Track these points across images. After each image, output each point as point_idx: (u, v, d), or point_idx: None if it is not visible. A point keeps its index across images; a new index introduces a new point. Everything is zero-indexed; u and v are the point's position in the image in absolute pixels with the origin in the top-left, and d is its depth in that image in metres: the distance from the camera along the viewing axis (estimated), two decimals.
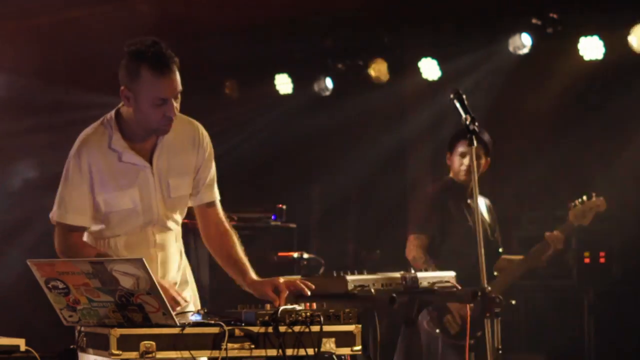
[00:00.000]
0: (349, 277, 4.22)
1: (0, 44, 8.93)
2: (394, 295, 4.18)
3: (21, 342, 3.72)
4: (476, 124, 4.84)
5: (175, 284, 4.32)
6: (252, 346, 3.71)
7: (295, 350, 3.74)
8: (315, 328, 3.76)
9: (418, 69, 9.67)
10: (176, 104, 4.11)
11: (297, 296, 4.09)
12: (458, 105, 4.89)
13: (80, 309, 3.72)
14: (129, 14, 8.72)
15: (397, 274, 4.40)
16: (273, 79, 10.51)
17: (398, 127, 10.42)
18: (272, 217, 9.47)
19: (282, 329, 3.72)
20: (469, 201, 6.39)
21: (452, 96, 4.92)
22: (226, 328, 3.67)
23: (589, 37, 8.75)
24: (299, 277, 4.28)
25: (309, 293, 4.06)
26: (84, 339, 3.80)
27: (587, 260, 8.99)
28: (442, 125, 8.67)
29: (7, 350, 3.69)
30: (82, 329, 3.81)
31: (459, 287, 4.66)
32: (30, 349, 3.72)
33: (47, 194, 10.78)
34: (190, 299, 4.38)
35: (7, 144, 9.80)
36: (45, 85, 9.87)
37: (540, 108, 9.47)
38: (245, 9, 8.90)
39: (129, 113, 4.19)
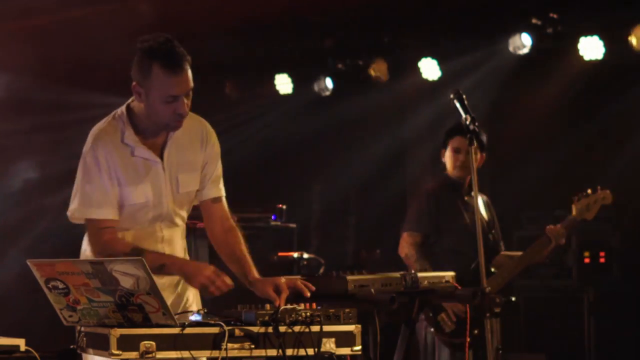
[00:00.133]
0: (349, 277, 4.21)
1: (0, 44, 8.93)
2: (394, 295, 4.17)
3: (21, 342, 3.72)
4: (476, 124, 4.84)
5: (180, 281, 4.33)
6: (252, 346, 3.71)
7: (295, 350, 3.74)
8: (315, 328, 3.76)
9: (418, 69, 9.67)
10: (187, 101, 4.13)
11: (297, 296, 4.09)
12: (458, 105, 4.89)
13: (80, 309, 3.72)
14: (129, 14, 8.71)
15: (397, 274, 4.40)
16: (273, 79, 10.51)
17: (398, 127, 10.42)
18: (272, 217, 9.47)
19: (282, 329, 3.72)
20: (465, 198, 6.37)
21: (452, 96, 4.92)
22: (226, 328, 3.67)
23: (589, 37, 8.75)
24: (298, 277, 4.27)
25: (308, 294, 4.06)
26: (84, 339, 3.80)
27: (587, 260, 9.00)
28: (442, 125, 8.63)
29: (7, 350, 3.69)
30: (82, 329, 3.81)
31: (459, 287, 4.65)
32: (30, 349, 3.72)
33: (47, 194, 10.83)
34: (192, 299, 4.39)
35: (7, 144, 9.80)
36: (45, 85, 9.87)
37: (540, 108, 9.47)
38: (245, 9, 8.90)
39: (140, 108, 4.21)
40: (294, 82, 10.48)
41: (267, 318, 3.72)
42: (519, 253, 6.39)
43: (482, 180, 5.81)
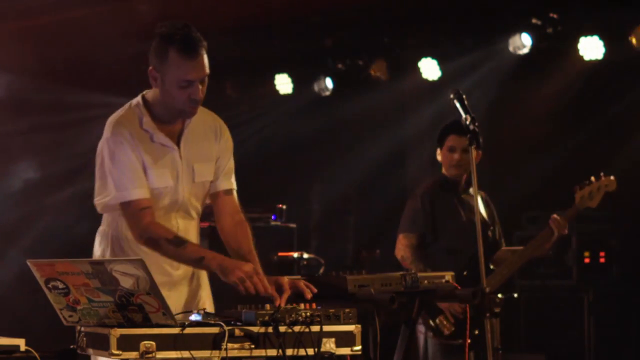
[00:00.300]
0: (349, 277, 4.21)
1: (0, 44, 8.93)
2: (394, 295, 4.17)
3: (21, 342, 3.72)
4: (476, 124, 4.83)
5: (193, 274, 4.34)
6: (252, 346, 3.71)
7: (295, 350, 3.74)
8: (315, 328, 3.76)
9: (418, 69, 9.67)
10: (202, 88, 4.17)
11: (297, 296, 4.10)
12: (458, 105, 4.88)
13: (80, 309, 3.72)
14: (129, 14, 8.71)
15: (397, 274, 4.40)
16: (273, 79, 10.51)
17: (398, 127, 10.42)
18: (272, 217, 9.48)
19: (282, 329, 3.72)
20: (462, 196, 6.35)
21: (452, 96, 4.92)
22: (226, 328, 3.66)
23: (589, 37, 8.75)
24: (299, 277, 4.27)
25: (309, 296, 4.06)
26: (84, 339, 3.80)
27: (587, 260, 9.00)
28: (442, 126, 8.67)
29: (7, 350, 3.69)
30: (82, 329, 3.81)
31: (458, 287, 4.64)
32: (30, 349, 3.72)
33: (47, 194, 10.81)
34: (206, 297, 4.41)
35: (7, 144, 9.80)
36: (45, 85, 9.87)
37: (540, 108, 9.47)
38: (245, 9, 8.90)
39: (155, 97, 4.26)
40: (294, 82, 10.48)
41: (267, 318, 3.72)
42: (521, 248, 6.33)
43: (481, 179, 5.80)
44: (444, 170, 6.39)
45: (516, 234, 8.60)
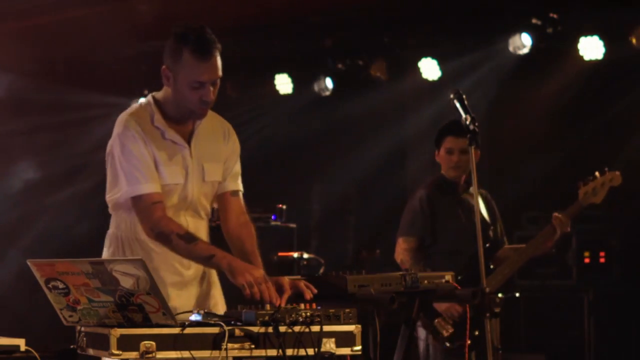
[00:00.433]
0: (349, 277, 4.21)
1: (0, 44, 8.94)
2: (394, 295, 4.16)
3: (21, 342, 3.72)
4: (476, 124, 4.83)
5: (204, 274, 4.34)
6: (252, 346, 3.71)
7: (295, 350, 3.74)
8: (315, 328, 3.76)
9: (418, 69, 9.67)
10: (213, 90, 4.19)
11: (298, 297, 4.10)
12: (458, 105, 4.88)
13: (80, 309, 3.72)
14: (129, 14, 8.72)
15: (397, 274, 4.39)
16: (273, 79, 10.51)
17: (398, 127, 10.42)
18: (272, 217, 9.48)
19: (282, 329, 3.72)
20: (462, 196, 6.32)
21: (452, 96, 4.91)
22: (226, 328, 3.66)
23: (589, 37, 8.75)
24: (299, 277, 4.27)
25: (309, 297, 4.06)
26: (84, 339, 3.80)
27: (587, 260, 9.00)
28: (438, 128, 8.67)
29: (7, 350, 3.69)
30: (82, 329, 3.81)
31: (458, 287, 4.64)
32: (30, 349, 3.72)
33: (47, 194, 10.80)
34: (218, 298, 4.41)
35: (7, 144, 9.80)
36: (45, 85, 9.88)
37: (540, 108, 9.47)
38: (245, 9, 8.90)
39: (166, 97, 4.27)
40: (294, 82, 10.48)
41: (267, 318, 3.72)
42: (523, 246, 6.30)
43: (481, 179, 5.79)
44: (443, 171, 6.38)
45: (516, 234, 8.59)
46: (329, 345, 3.78)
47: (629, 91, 8.99)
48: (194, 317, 3.83)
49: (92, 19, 8.68)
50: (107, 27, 8.65)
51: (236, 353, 3.69)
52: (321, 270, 8.92)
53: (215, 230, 4.49)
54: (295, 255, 9.12)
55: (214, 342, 3.66)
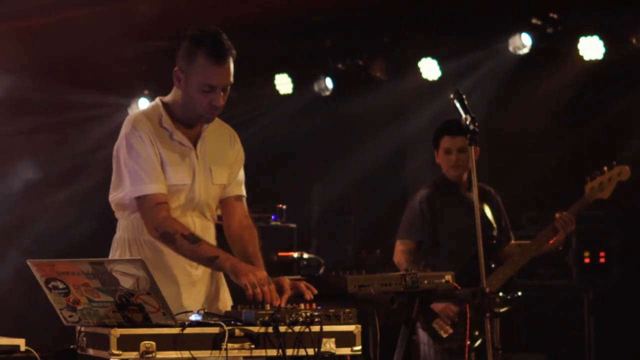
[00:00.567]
0: (349, 277, 4.21)
1: (0, 44, 8.94)
2: (394, 295, 4.17)
3: (21, 342, 3.73)
4: (476, 124, 4.83)
5: (212, 274, 4.34)
6: (252, 346, 3.71)
7: (295, 350, 3.74)
8: (315, 328, 3.76)
9: (418, 69, 9.67)
10: (224, 95, 4.22)
11: (298, 297, 4.10)
12: (458, 105, 4.88)
13: (80, 309, 3.72)
14: (129, 14, 8.72)
15: (397, 274, 4.40)
16: (273, 79, 10.51)
17: (398, 127, 10.42)
18: (272, 217, 9.48)
19: (282, 329, 3.72)
20: (466, 194, 6.27)
21: (452, 96, 4.91)
22: (226, 328, 3.67)
23: (589, 37, 8.75)
24: (299, 277, 4.28)
25: (309, 297, 4.06)
26: (84, 339, 3.80)
27: (587, 260, 9.00)
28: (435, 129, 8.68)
29: (7, 350, 3.69)
30: (82, 329, 3.82)
31: (459, 287, 4.63)
32: (30, 349, 3.72)
33: (47, 194, 10.79)
34: (227, 299, 4.41)
35: (7, 144, 9.81)
36: (45, 85, 9.87)
37: (539, 108, 9.47)
38: (245, 9, 8.90)
39: (175, 100, 4.28)
40: (294, 82, 10.48)
41: (267, 318, 3.72)
42: (529, 242, 6.25)
43: (481, 179, 5.79)
44: (443, 172, 6.36)
45: (516, 234, 8.58)
46: (329, 345, 3.78)
47: (629, 91, 8.99)
48: (194, 317, 3.83)
49: (92, 19, 8.67)
50: (107, 27, 8.65)
51: (236, 353, 3.70)
52: (321, 271, 8.92)
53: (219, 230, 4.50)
54: (295, 255, 9.12)
55: (214, 342, 3.66)
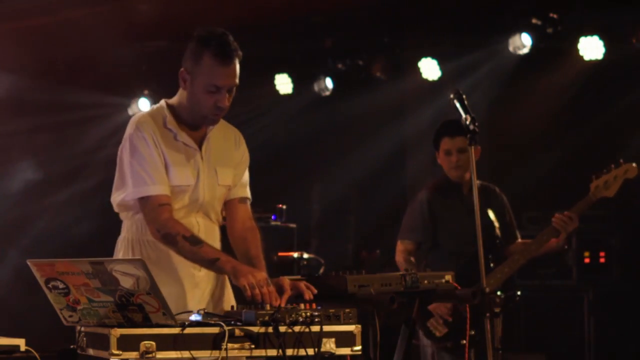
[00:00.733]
0: (349, 277, 4.21)
1: (0, 44, 8.94)
2: (394, 295, 4.17)
3: (21, 342, 3.73)
4: (476, 124, 4.83)
5: (216, 275, 4.34)
6: (252, 346, 3.71)
7: (295, 350, 3.74)
8: (315, 328, 3.76)
9: (418, 69, 9.66)
10: (229, 97, 4.24)
11: (298, 297, 4.10)
12: (458, 105, 4.88)
13: (80, 309, 3.72)
14: (129, 14, 8.72)
15: (397, 274, 4.40)
16: (273, 79, 10.50)
17: (398, 127, 10.42)
18: (272, 217, 9.48)
19: (282, 329, 3.72)
20: (468, 195, 6.26)
21: (452, 96, 4.91)
22: (226, 328, 3.67)
23: (589, 37, 8.74)
24: (299, 277, 4.28)
25: (309, 297, 4.06)
26: (84, 339, 3.80)
27: (587, 260, 9.00)
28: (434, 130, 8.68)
29: (7, 350, 3.69)
30: (82, 329, 3.82)
31: (458, 287, 4.63)
32: (30, 349, 3.72)
33: (47, 194, 10.79)
34: (231, 298, 4.41)
35: (7, 144, 9.80)
36: (45, 85, 9.87)
37: (540, 108, 9.47)
38: (245, 9, 8.90)
39: (180, 102, 4.29)
40: (294, 82, 10.47)
41: (267, 318, 3.72)
42: (533, 240, 6.23)
43: (482, 179, 5.79)
44: (445, 172, 6.36)
45: None
46: (329, 345, 3.78)
47: (629, 91, 8.99)
48: (194, 317, 3.83)
49: (92, 19, 8.68)
50: (107, 28, 8.65)
51: (236, 353, 3.70)
52: (321, 271, 8.92)
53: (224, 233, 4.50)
54: (295, 255, 9.12)
55: (214, 342, 3.66)
